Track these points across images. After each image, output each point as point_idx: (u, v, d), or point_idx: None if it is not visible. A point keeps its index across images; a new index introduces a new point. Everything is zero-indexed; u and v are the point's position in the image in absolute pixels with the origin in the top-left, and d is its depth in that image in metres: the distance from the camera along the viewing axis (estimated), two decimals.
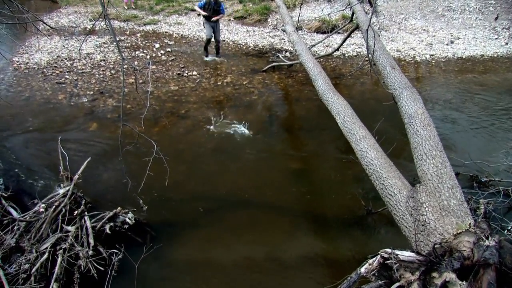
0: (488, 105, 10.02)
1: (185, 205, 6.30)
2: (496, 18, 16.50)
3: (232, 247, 5.55)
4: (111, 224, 5.32)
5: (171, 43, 13.94)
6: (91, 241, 4.98)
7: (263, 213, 6.23)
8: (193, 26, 15.79)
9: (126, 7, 17.83)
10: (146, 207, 5.84)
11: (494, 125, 9.05)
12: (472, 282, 3.11)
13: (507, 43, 14.61)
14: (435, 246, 3.38)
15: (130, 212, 5.55)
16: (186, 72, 11.44)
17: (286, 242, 5.64)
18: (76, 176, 5.80)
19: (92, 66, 11.56)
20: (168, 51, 13.04)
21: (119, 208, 5.47)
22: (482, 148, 8.06)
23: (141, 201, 5.82)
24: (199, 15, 12.09)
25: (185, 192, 6.54)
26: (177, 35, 14.75)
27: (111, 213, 5.39)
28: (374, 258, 3.42)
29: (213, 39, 12.44)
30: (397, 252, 3.36)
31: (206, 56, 12.63)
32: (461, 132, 8.76)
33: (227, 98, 10.06)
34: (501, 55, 13.77)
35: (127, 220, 5.43)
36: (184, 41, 14.07)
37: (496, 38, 15.19)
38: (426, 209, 3.86)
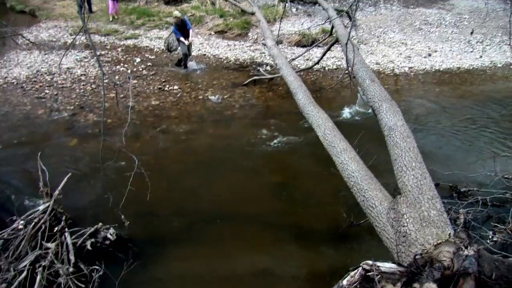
0: (465, 117, 10.17)
1: (167, 220, 6.27)
2: (471, 33, 16.84)
3: (215, 262, 5.53)
4: (92, 240, 5.27)
5: (152, 57, 13.92)
6: (72, 257, 4.92)
7: (246, 227, 6.23)
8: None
9: (111, 19, 17.80)
10: (128, 222, 5.79)
11: (471, 136, 9.19)
12: None
13: (481, 56, 14.88)
14: (416, 257, 3.42)
15: (111, 227, 5.50)
16: (167, 86, 11.43)
17: (269, 255, 5.65)
18: (56, 192, 5.74)
19: (72, 80, 11.48)
20: (149, 65, 13.02)
21: (100, 223, 5.43)
22: (461, 159, 8.18)
23: (122, 216, 5.78)
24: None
25: (167, 207, 6.51)
26: (158, 49, 14.70)
27: (92, 229, 5.35)
28: (355, 270, 3.44)
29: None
30: (378, 264, 3.39)
31: (185, 69, 12.65)
32: (440, 143, 8.87)
33: (208, 112, 10.06)
34: (476, 67, 14.01)
35: (109, 235, 5.39)
36: (165, 55, 14.04)
37: (471, 51, 15.47)
38: (407, 220, 3.90)
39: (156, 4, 19.57)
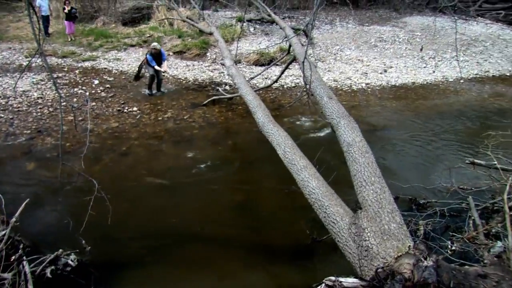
0: (421, 130, 10.49)
1: (130, 243, 6.16)
2: (421, 49, 17.45)
3: (179, 285, 5.48)
4: (53, 267, 5.12)
5: (111, 79, 13.79)
6: (30, 287, 4.78)
7: (209, 248, 6.18)
8: (132, 61, 15.66)
9: (69, 39, 17.58)
10: (89, 247, 5.66)
11: (427, 149, 9.47)
12: None
13: (434, 71, 15.45)
14: (378, 270, 3.48)
15: (72, 253, 5.37)
16: (126, 108, 11.32)
17: (233, 275, 5.61)
18: (13, 219, 5.56)
19: (29, 104, 11.22)
20: (108, 87, 12.88)
21: (60, 250, 5.29)
22: (419, 171, 8.39)
23: (83, 241, 5.64)
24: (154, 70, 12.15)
25: (129, 230, 6.40)
26: (116, 71, 14.58)
27: (52, 256, 5.20)
28: (319, 287, 3.48)
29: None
30: (341, 279, 3.44)
31: (151, 93, 12.52)
32: (398, 157, 9.10)
33: (168, 133, 10.00)
34: (430, 82, 14.53)
35: (70, 262, 5.25)
36: (123, 77, 13.92)
37: (424, 67, 16.02)
38: (368, 234, 3.97)
39: (113, 25, 19.46)
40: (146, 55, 12.43)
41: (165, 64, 12.50)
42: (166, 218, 6.78)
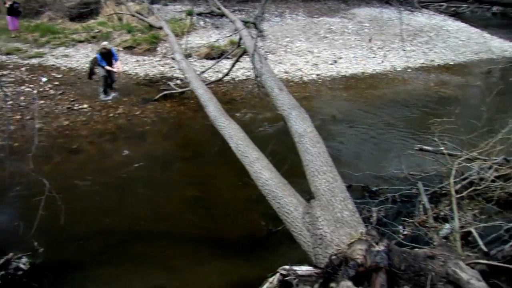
0: (372, 119, 10.72)
1: (84, 243, 6.03)
2: (370, 40, 17.78)
3: (135, 282, 5.41)
4: (3, 272, 4.98)
5: (59, 76, 13.38)
6: None
7: (164, 244, 6.13)
8: (81, 58, 15.23)
9: (13, 35, 16.89)
10: (42, 249, 5.52)
11: (378, 137, 9.70)
12: (367, 286, 3.29)
13: (382, 61, 15.77)
14: (332, 257, 3.53)
15: (24, 256, 5.24)
16: (77, 105, 11.03)
17: (188, 270, 5.60)
18: None
19: None
20: (57, 84, 12.52)
21: (11, 253, 5.15)
22: (370, 159, 8.58)
23: (35, 243, 5.50)
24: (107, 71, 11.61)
25: (83, 230, 6.26)
26: (65, 68, 14.14)
27: (2, 260, 5.06)
28: (273, 276, 3.50)
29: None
30: (295, 268, 3.47)
31: (106, 96, 11.93)
32: (349, 146, 9.27)
33: (120, 129, 9.84)
34: (379, 72, 14.83)
35: (21, 265, 5.13)
36: (72, 74, 13.53)
37: (373, 57, 16.33)
38: (322, 222, 4.01)
39: (60, 21, 18.83)
40: (96, 54, 11.98)
41: (119, 64, 11.99)
42: (119, 216, 6.68)
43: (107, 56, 11.56)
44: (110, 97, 11.84)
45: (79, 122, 10.08)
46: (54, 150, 8.59)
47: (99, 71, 11.73)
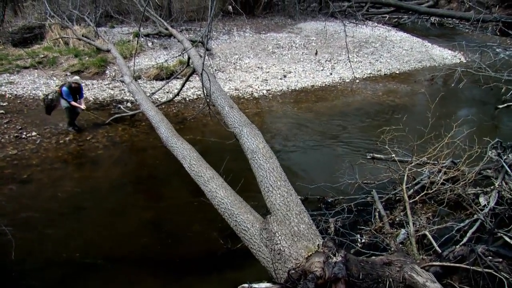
0: (323, 131, 10.89)
1: (39, 275, 5.85)
2: (316, 53, 18.15)
3: None
4: None
5: (4, 104, 12.98)
6: None
7: (123, 269, 6.03)
8: (27, 84, 14.87)
9: None
10: None
11: (330, 148, 9.88)
12: None
13: (331, 73, 16.10)
14: (290, 272, 3.54)
15: None
16: (25, 133, 10.71)
17: None
18: None
19: None
20: (2, 113, 12.13)
21: None
22: (324, 171, 8.68)
23: None
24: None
25: (37, 261, 6.07)
26: (10, 95, 13.70)
27: None
28: None
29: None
30: (254, 285, 3.45)
31: (76, 130, 11.30)
32: (302, 159, 9.37)
33: (71, 156, 9.61)
34: (328, 84, 15.12)
35: None
36: (19, 101, 13.15)
37: (322, 70, 16.64)
38: (279, 237, 4.02)
39: (2, 47, 18.36)
40: (61, 87, 11.08)
41: (82, 102, 11.30)
42: (76, 244, 6.52)
43: (75, 91, 11.01)
44: (77, 127, 11.33)
45: (28, 151, 9.78)
46: (2, 181, 8.31)
47: (62, 103, 11.23)
